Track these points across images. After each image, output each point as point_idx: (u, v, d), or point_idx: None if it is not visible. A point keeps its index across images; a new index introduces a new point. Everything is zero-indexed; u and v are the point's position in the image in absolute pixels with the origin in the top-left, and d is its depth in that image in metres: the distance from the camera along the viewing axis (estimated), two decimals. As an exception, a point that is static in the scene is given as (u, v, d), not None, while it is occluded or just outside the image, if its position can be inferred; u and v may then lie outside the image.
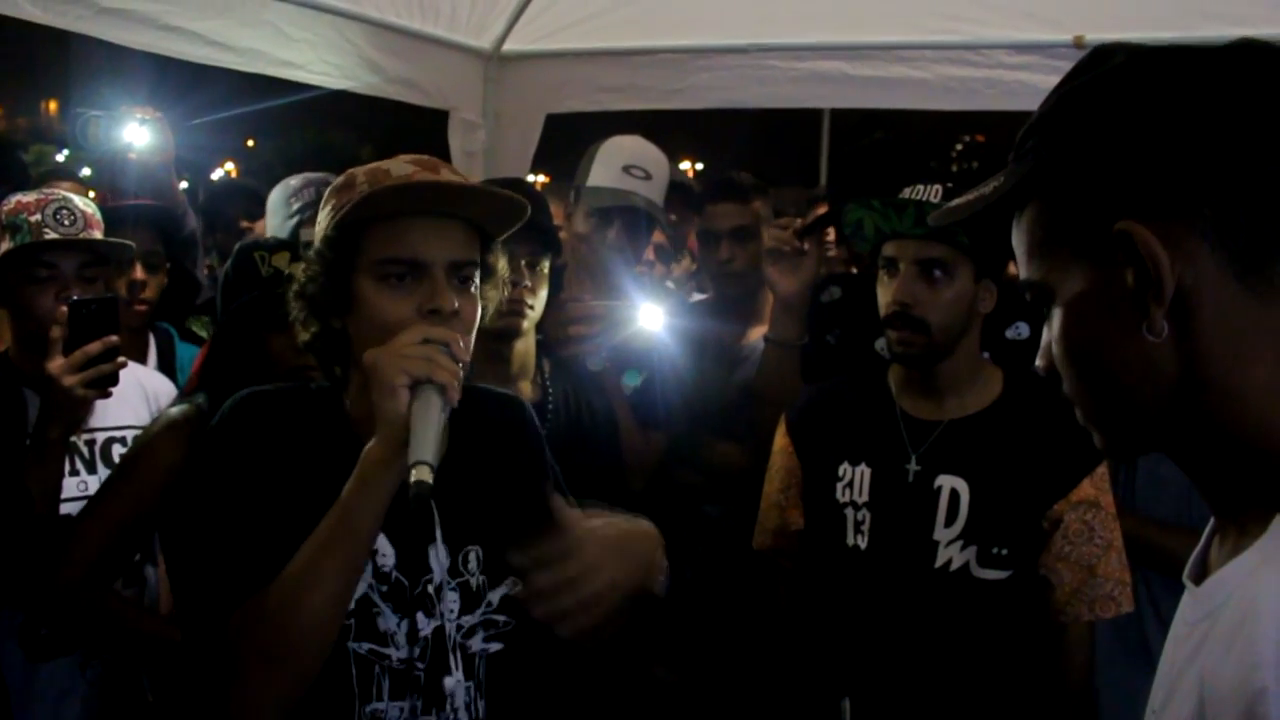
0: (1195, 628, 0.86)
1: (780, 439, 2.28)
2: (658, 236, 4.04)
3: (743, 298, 2.97)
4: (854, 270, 3.25)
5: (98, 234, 2.31)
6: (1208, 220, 0.82)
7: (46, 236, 2.21)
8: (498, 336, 2.17)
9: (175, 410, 2.12)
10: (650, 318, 2.54)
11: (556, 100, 4.28)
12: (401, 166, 1.47)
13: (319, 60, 3.56)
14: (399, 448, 1.29)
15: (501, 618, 1.56)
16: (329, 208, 1.48)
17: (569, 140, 2.90)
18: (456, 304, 1.43)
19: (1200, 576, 0.90)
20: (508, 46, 4.23)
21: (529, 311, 2.19)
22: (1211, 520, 0.92)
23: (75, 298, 2.15)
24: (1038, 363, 0.96)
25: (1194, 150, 0.82)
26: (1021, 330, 2.51)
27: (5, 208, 2.25)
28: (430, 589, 1.50)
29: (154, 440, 2.08)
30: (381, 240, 1.43)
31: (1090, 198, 0.87)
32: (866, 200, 2.07)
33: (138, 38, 2.99)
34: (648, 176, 2.75)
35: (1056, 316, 0.91)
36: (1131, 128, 0.84)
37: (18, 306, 2.27)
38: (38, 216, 2.22)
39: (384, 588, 1.46)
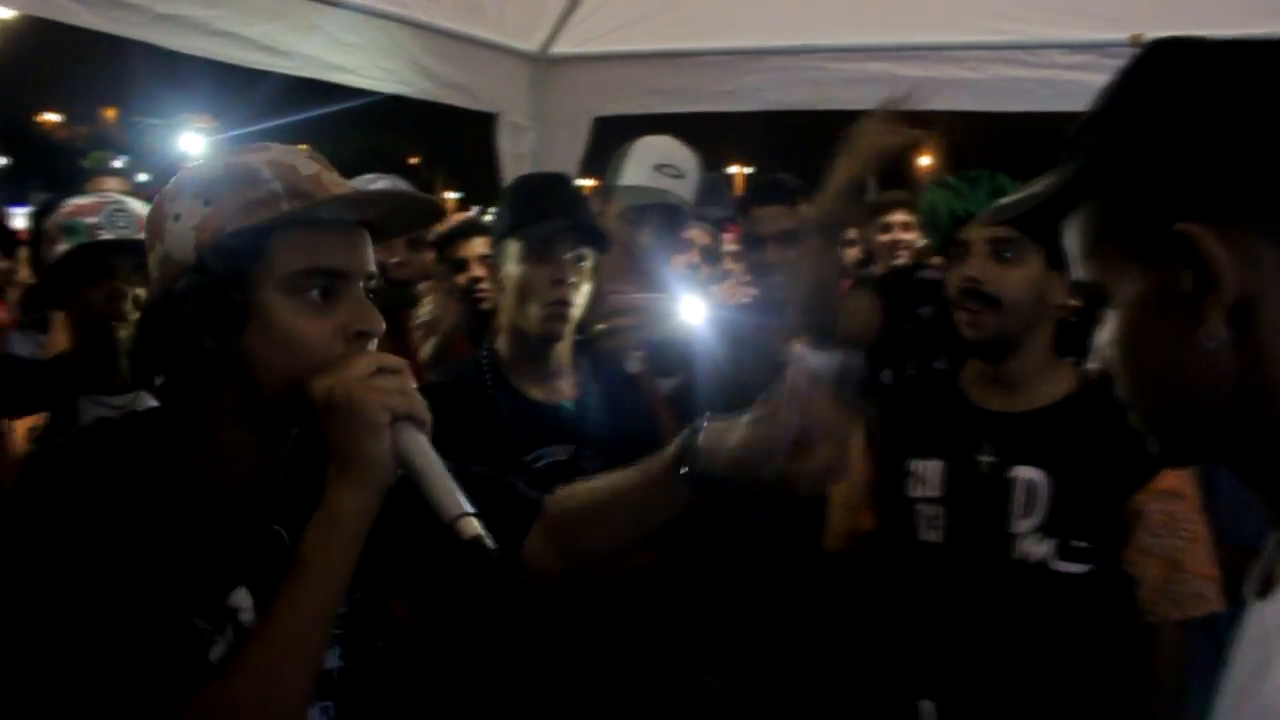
0: (1259, 645, 0.83)
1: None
2: (703, 238, 4.03)
3: (786, 302, 2.94)
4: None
5: None
6: (1270, 222, 0.79)
7: (102, 238, 2.25)
8: (541, 340, 2.17)
9: None
10: (692, 310, 2.53)
11: (605, 103, 4.29)
12: (306, 163, 1.27)
13: (370, 65, 3.61)
14: (381, 493, 1.20)
15: (342, 631, 1.38)
16: (214, 206, 1.23)
17: (618, 143, 2.91)
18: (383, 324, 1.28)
19: (1265, 591, 0.87)
20: (556, 49, 4.24)
21: (572, 313, 2.19)
22: (1276, 533, 0.89)
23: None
24: (1091, 365, 0.94)
25: (1255, 149, 0.79)
26: None
27: (63, 211, 2.30)
28: None
29: None
30: (297, 249, 1.22)
31: (1147, 198, 0.84)
32: (943, 180, 2.05)
33: (191, 43, 3.04)
34: (680, 175, 2.77)
35: (1111, 319, 0.89)
36: (1190, 125, 0.82)
37: (75, 306, 2.31)
38: (94, 219, 2.27)
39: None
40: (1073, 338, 2.30)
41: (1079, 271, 0.91)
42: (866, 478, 2.21)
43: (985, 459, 2.04)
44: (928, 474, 2.09)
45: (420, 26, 3.73)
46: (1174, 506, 1.95)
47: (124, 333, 1.28)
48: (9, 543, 1.16)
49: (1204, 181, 0.81)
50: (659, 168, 2.75)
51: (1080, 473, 1.98)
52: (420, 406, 1.22)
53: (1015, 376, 2.07)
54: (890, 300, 2.64)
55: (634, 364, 2.37)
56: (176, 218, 1.24)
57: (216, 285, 1.21)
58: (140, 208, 2.36)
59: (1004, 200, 0.98)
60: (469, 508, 1.17)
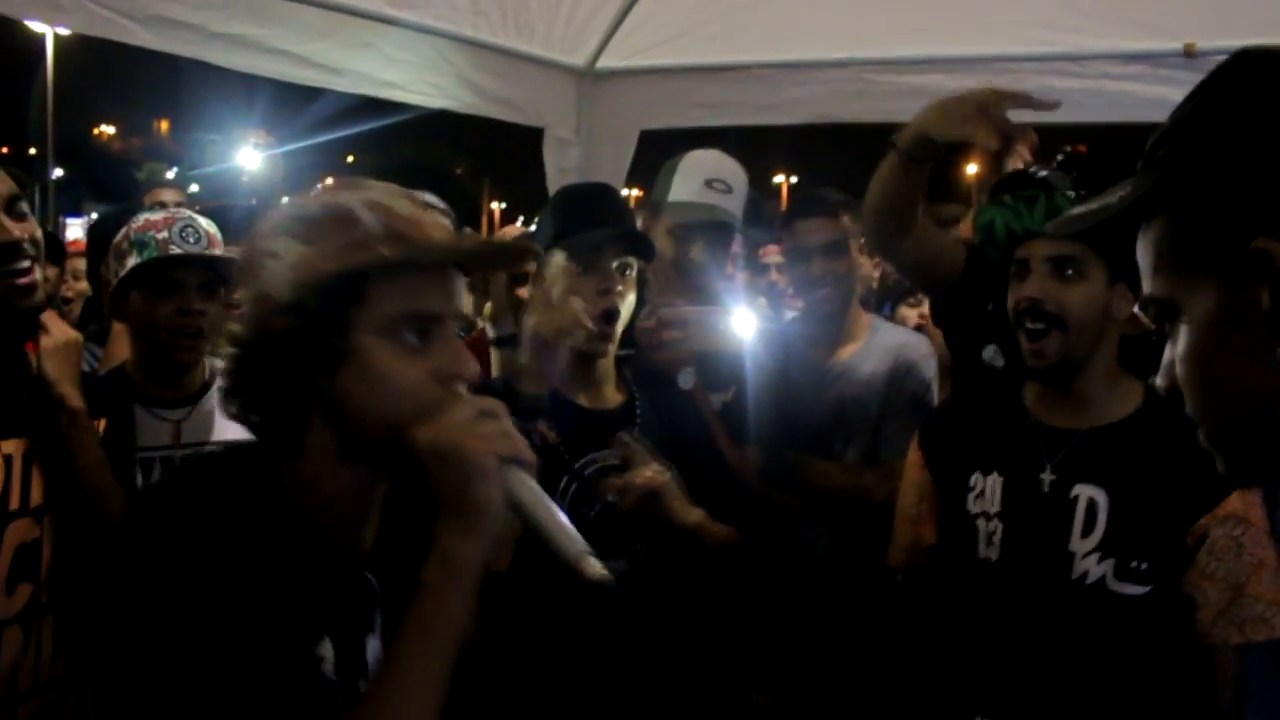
0: None
1: (913, 453, 2.25)
2: (736, 245, 4.02)
3: (834, 315, 2.93)
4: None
5: (219, 252, 2.39)
6: None
7: (172, 253, 2.29)
8: (588, 349, 2.18)
9: None
10: (744, 323, 2.52)
11: (651, 116, 4.30)
12: (402, 203, 1.29)
13: (419, 80, 3.66)
14: (494, 538, 1.20)
15: None
16: (311, 246, 1.23)
17: (662, 156, 2.90)
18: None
19: None
20: (602, 63, 4.26)
21: (618, 328, 2.19)
22: None
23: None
24: (1159, 381, 0.93)
25: None
26: None
27: (134, 226, 2.35)
28: (363, 687, 1.30)
29: None
30: (394, 292, 1.22)
31: (1225, 212, 0.83)
32: (999, 198, 2.01)
33: (246, 61, 3.10)
34: (729, 190, 2.75)
35: (1182, 335, 0.88)
36: (1270, 139, 0.81)
37: (140, 319, 2.35)
38: (164, 234, 2.31)
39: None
40: (1144, 355, 2.26)
41: (1150, 286, 0.90)
42: (926, 490, 2.19)
43: (1047, 476, 2.02)
44: (988, 489, 2.07)
45: (469, 43, 3.78)
46: (1239, 532, 1.91)
47: (220, 364, 1.27)
48: (125, 589, 1.18)
49: None
50: (708, 183, 2.73)
51: (1140, 493, 1.95)
52: (525, 448, 1.22)
53: (1080, 394, 2.04)
54: (973, 272, 2.55)
55: (686, 380, 2.36)
56: (274, 256, 1.24)
57: (313, 326, 1.21)
58: (208, 224, 2.40)
59: (1074, 212, 0.97)
60: (588, 547, 1.17)
